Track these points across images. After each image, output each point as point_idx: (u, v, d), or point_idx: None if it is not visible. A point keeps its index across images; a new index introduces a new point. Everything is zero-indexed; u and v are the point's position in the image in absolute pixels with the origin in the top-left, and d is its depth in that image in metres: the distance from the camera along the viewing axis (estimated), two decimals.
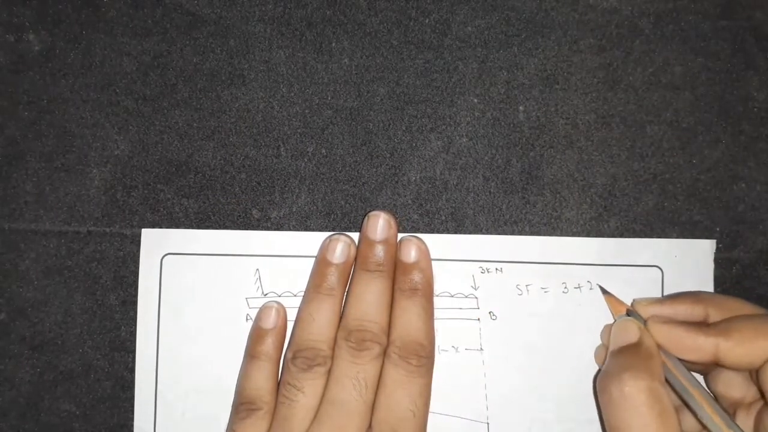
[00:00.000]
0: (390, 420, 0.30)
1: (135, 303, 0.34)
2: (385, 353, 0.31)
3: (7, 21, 0.35)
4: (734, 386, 0.30)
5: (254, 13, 0.35)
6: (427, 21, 0.35)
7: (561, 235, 0.35)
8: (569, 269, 0.34)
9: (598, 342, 0.34)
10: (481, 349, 0.34)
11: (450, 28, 0.35)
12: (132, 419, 0.34)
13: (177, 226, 0.35)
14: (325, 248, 0.33)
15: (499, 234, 0.35)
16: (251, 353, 0.33)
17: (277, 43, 0.35)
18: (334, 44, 0.35)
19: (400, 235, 0.33)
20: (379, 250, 0.32)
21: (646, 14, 0.35)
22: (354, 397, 0.30)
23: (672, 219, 0.35)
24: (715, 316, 0.30)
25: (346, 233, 0.34)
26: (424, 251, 0.33)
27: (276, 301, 0.34)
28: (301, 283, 0.34)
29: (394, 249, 0.33)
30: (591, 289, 0.34)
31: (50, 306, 0.35)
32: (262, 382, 0.32)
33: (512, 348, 0.34)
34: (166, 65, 0.35)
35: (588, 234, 0.35)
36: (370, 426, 0.30)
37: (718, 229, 0.35)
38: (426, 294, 0.32)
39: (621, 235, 0.35)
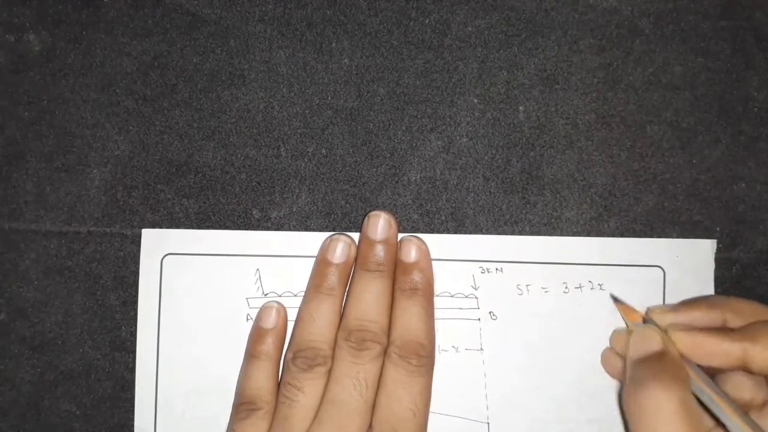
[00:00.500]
0: (390, 420, 0.30)
1: (135, 303, 0.34)
2: (385, 353, 0.31)
3: (7, 21, 0.35)
4: (745, 388, 0.30)
5: (254, 13, 0.35)
6: (427, 21, 0.35)
7: (561, 235, 0.35)
8: (570, 269, 0.34)
9: (599, 342, 0.34)
10: (481, 349, 0.34)
11: (450, 28, 0.35)
12: (132, 419, 0.34)
13: (177, 227, 0.35)
14: (325, 248, 0.33)
15: (499, 234, 0.35)
16: (251, 353, 0.33)
17: (277, 44, 0.35)
18: (334, 44, 0.35)
19: (401, 235, 0.33)
20: (380, 250, 0.32)
21: (646, 14, 0.35)
22: (354, 397, 0.30)
23: (672, 219, 0.35)
24: (733, 320, 0.30)
25: (347, 233, 0.34)
26: (425, 251, 0.33)
27: (276, 301, 0.34)
28: (302, 283, 0.34)
29: (395, 249, 0.33)
30: (592, 289, 0.34)
31: (50, 306, 0.35)
32: (262, 382, 0.32)
33: (512, 348, 0.34)
34: (166, 65, 0.35)
35: (588, 234, 0.35)
36: (370, 426, 0.30)
37: (718, 229, 0.35)
38: (426, 294, 0.32)
39: (621, 235, 0.35)
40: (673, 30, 0.35)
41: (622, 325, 0.34)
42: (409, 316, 0.31)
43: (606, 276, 0.34)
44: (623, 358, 0.32)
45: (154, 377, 0.34)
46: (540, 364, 0.34)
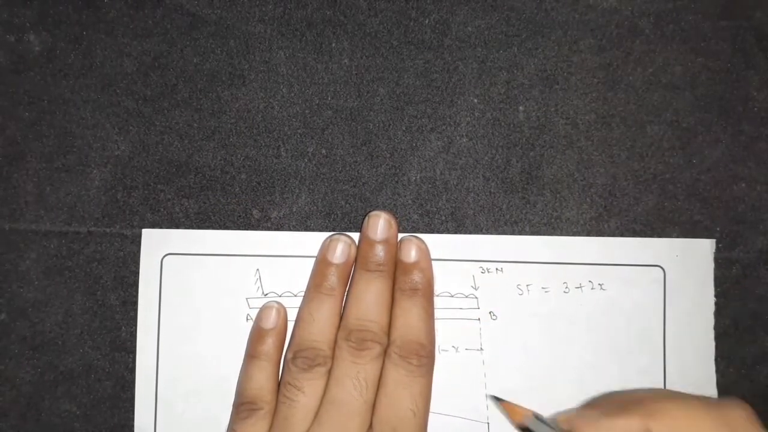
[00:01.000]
0: (391, 420, 0.30)
1: (135, 303, 0.34)
2: (385, 353, 0.31)
3: (7, 21, 0.35)
4: None
5: (254, 13, 0.35)
6: (427, 21, 0.35)
7: (561, 234, 0.35)
8: (570, 269, 0.34)
9: (600, 342, 0.34)
10: (481, 349, 0.34)
11: (450, 28, 0.35)
12: (132, 419, 0.34)
13: (177, 227, 0.35)
14: (325, 248, 0.33)
15: (499, 234, 0.35)
16: (251, 353, 0.33)
17: (277, 44, 0.35)
18: (334, 44, 0.35)
19: (401, 235, 0.33)
20: (380, 250, 0.32)
21: (646, 14, 0.35)
22: (354, 397, 0.30)
23: (672, 219, 0.35)
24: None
25: (347, 233, 0.34)
26: (425, 251, 0.33)
27: (276, 301, 0.34)
28: (302, 284, 0.34)
29: (395, 249, 0.33)
30: (592, 289, 0.34)
31: (51, 306, 0.35)
32: (262, 382, 0.32)
33: (512, 348, 0.34)
34: (166, 66, 0.35)
35: (588, 234, 0.35)
36: (370, 426, 0.30)
37: (718, 228, 0.35)
38: (426, 294, 0.32)
39: (621, 235, 0.35)
40: (673, 30, 0.35)
41: (623, 325, 0.34)
42: (409, 316, 0.31)
43: (606, 276, 0.34)
44: None
45: (154, 377, 0.34)
46: (540, 364, 0.34)
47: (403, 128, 0.35)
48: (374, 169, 0.35)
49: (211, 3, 0.35)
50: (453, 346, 0.34)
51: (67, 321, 0.35)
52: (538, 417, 0.30)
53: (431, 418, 0.32)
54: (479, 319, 0.34)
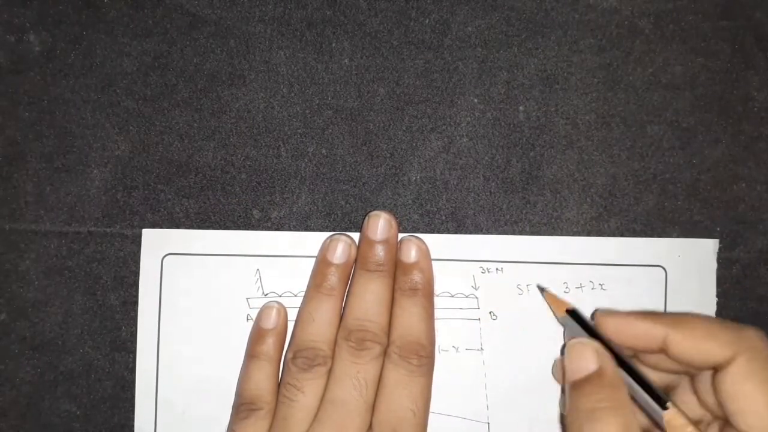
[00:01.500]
0: (390, 420, 0.30)
1: (135, 303, 0.34)
2: (385, 353, 0.31)
3: (7, 21, 0.35)
4: (691, 409, 0.30)
5: (254, 13, 0.35)
6: (427, 21, 0.35)
7: (561, 234, 0.35)
8: (571, 269, 0.34)
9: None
10: (482, 349, 0.34)
11: (450, 28, 0.35)
12: (132, 419, 0.34)
13: (177, 227, 0.35)
14: (325, 248, 0.33)
15: (499, 234, 0.35)
16: (251, 353, 0.33)
17: (277, 44, 0.35)
18: (334, 44, 0.35)
19: (401, 235, 0.33)
20: (380, 250, 0.32)
21: (646, 14, 0.35)
22: (354, 397, 0.30)
23: (672, 219, 0.35)
24: (676, 339, 0.29)
25: (347, 233, 0.34)
26: (425, 251, 0.33)
27: (276, 301, 0.34)
28: (302, 284, 0.34)
29: (395, 249, 0.33)
30: (593, 289, 0.34)
31: (51, 306, 0.35)
32: (262, 382, 0.32)
33: (512, 348, 0.34)
34: (166, 66, 0.35)
35: (588, 234, 0.35)
36: (370, 426, 0.30)
37: (718, 228, 0.35)
38: (426, 294, 0.32)
39: (621, 235, 0.35)
40: (673, 30, 0.35)
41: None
42: (409, 316, 0.31)
43: (607, 276, 0.34)
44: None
45: (154, 377, 0.34)
46: (540, 364, 0.34)
47: (403, 128, 0.35)
48: (374, 169, 0.35)
49: (211, 3, 0.35)
50: (453, 346, 0.34)
51: (67, 321, 0.35)
52: (575, 313, 0.31)
53: (431, 418, 0.32)
54: (479, 319, 0.34)
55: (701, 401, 0.30)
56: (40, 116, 0.35)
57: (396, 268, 0.33)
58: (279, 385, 0.32)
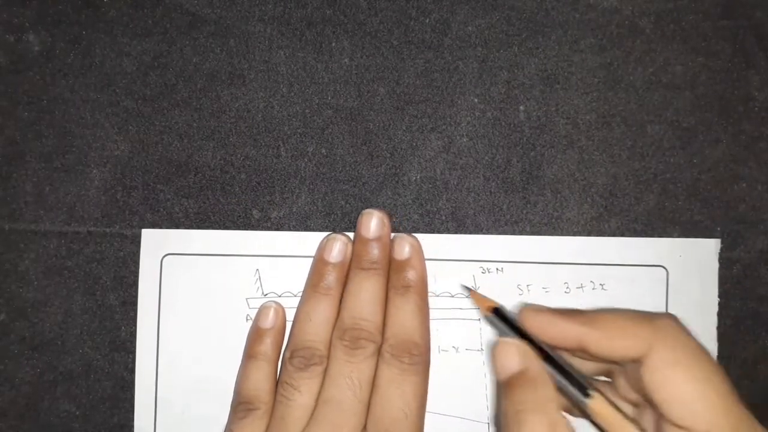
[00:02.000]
0: (384, 420, 0.30)
1: (135, 303, 0.34)
2: (380, 352, 0.31)
3: (7, 21, 0.35)
4: (630, 393, 0.30)
5: (254, 13, 0.35)
6: (427, 21, 0.35)
7: (562, 234, 0.34)
8: (571, 269, 0.34)
9: None
10: (482, 349, 0.34)
11: (450, 28, 0.35)
12: (132, 419, 0.34)
13: (177, 227, 0.35)
14: (322, 248, 0.33)
15: (499, 234, 0.35)
16: (250, 353, 0.33)
17: (277, 43, 0.35)
18: (334, 44, 0.35)
19: (393, 233, 0.33)
20: (373, 248, 0.32)
21: (646, 14, 0.35)
22: (349, 397, 0.30)
23: (673, 219, 0.35)
24: (597, 337, 0.29)
25: (344, 233, 0.34)
26: (417, 248, 0.33)
27: (275, 301, 0.34)
28: (301, 284, 0.34)
29: (389, 247, 0.33)
30: (594, 289, 0.34)
31: (50, 306, 0.35)
32: (260, 382, 0.32)
33: None
34: (166, 65, 0.35)
35: (589, 234, 0.35)
36: (365, 426, 0.30)
37: (718, 228, 0.35)
38: (419, 291, 0.32)
39: (622, 235, 0.34)
40: (673, 30, 0.35)
41: None
42: (402, 314, 0.31)
43: (608, 276, 0.34)
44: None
45: (154, 377, 0.34)
46: None
47: (403, 128, 0.35)
48: (374, 169, 0.35)
49: (211, 3, 0.35)
50: (453, 346, 0.34)
51: (67, 321, 0.35)
52: (500, 311, 0.31)
53: (431, 418, 0.32)
54: (479, 319, 0.34)
55: (635, 390, 0.30)
56: (40, 116, 0.35)
57: (390, 266, 0.33)
58: (277, 384, 0.32)
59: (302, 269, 0.34)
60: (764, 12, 0.35)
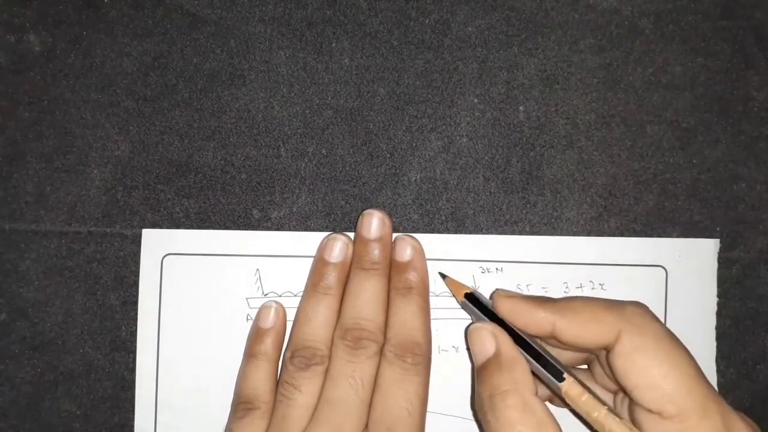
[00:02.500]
0: (385, 419, 0.30)
1: (135, 303, 0.34)
2: (381, 352, 0.31)
3: (7, 21, 0.35)
4: (608, 381, 0.30)
5: (254, 13, 0.35)
6: (427, 21, 0.35)
7: (561, 234, 0.35)
8: (571, 269, 0.34)
9: None
10: None
11: (450, 28, 0.35)
12: (132, 419, 0.34)
13: (177, 227, 0.35)
14: (322, 248, 0.33)
15: (499, 234, 0.35)
16: (250, 353, 0.33)
17: (277, 44, 0.35)
18: (334, 44, 0.35)
19: (395, 235, 0.33)
20: (374, 249, 0.32)
21: (646, 14, 0.35)
22: (350, 396, 0.30)
23: (672, 219, 0.35)
24: (566, 323, 0.29)
25: (345, 233, 0.34)
26: (419, 250, 0.33)
27: (275, 301, 0.34)
28: (302, 284, 0.34)
29: (390, 247, 0.33)
30: (593, 288, 0.34)
31: (51, 306, 0.35)
32: (260, 381, 0.32)
33: None
34: (166, 66, 0.35)
35: (588, 234, 0.35)
36: (367, 425, 0.30)
37: (718, 228, 0.35)
38: (421, 292, 0.32)
39: (621, 235, 0.35)
40: (673, 30, 0.35)
41: None
42: (404, 314, 0.31)
43: (607, 276, 0.34)
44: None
45: (154, 377, 0.34)
46: None
47: (403, 128, 0.35)
48: (374, 169, 0.35)
49: (211, 3, 0.35)
50: (453, 346, 0.34)
51: (67, 321, 0.35)
52: (473, 296, 0.31)
53: (431, 417, 0.32)
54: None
55: (609, 378, 0.30)
56: (40, 116, 0.35)
57: (391, 267, 0.33)
58: (277, 384, 0.32)
59: (303, 269, 0.34)
60: (763, 12, 0.35)
